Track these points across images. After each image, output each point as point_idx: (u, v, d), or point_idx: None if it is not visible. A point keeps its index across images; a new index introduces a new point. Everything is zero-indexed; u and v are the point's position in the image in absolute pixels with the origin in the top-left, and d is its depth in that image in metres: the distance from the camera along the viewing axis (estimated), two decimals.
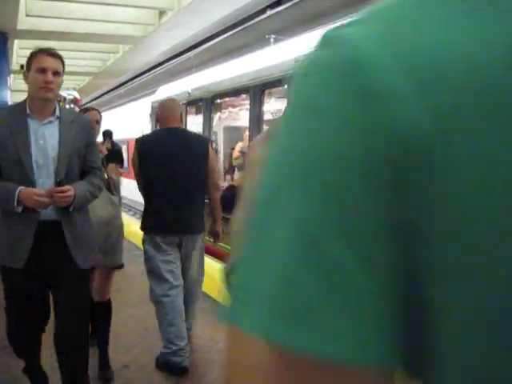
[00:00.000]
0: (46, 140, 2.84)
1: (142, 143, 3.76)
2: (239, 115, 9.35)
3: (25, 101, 2.95)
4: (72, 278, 2.87)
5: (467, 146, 0.34)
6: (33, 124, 2.84)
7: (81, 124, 3.00)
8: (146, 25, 10.87)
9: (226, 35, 10.35)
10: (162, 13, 10.25)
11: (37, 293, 2.89)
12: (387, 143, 0.35)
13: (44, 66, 2.79)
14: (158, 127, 4.01)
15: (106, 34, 11.38)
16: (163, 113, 3.82)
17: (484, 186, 0.33)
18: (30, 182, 2.74)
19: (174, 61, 13.48)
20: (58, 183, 2.72)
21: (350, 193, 0.36)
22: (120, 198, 4.35)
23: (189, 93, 8.87)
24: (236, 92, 7.68)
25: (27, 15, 9.55)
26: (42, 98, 2.81)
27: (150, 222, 3.73)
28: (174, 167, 3.57)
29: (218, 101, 8.51)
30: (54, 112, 2.90)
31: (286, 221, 0.38)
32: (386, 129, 0.35)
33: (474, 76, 0.34)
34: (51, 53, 2.88)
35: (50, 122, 2.87)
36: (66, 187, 2.72)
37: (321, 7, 8.18)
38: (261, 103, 6.79)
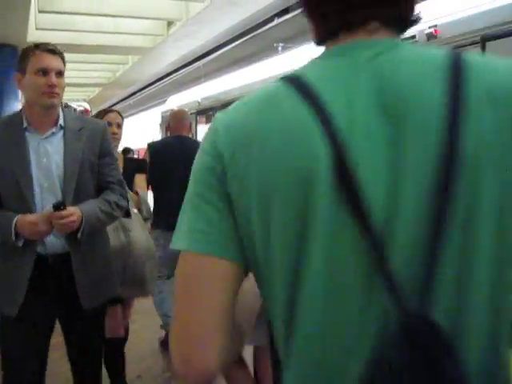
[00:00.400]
0: (49, 157, 2.35)
1: (153, 147, 4.13)
2: None
3: (20, 111, 2.44)
4: (84, 320, 2.44)
5: (239, 164, 0.81)
6: (32, 139, 2.34)
7: (91, 131, 2.48)
8: (155, 35, 10.93)
9: (234, 44, 10.37)
10: (170, 23, 10.30)
11: (37, 341, 2.40)
12: (221, 160, 0.82)
13: (45, 67, 2.29)
14: (169, 135, 4.42)
15: (116, 46, 11.45)
16: (173, 122, 4.28)
17: (244, 178, 0.80)
18: (29, 211, 2.26)
19: (182, 71, 13.52)
20: (56, 206, 2.20)
21: (202, 184, 0.84)
22: (150, 214, 3.75)
23: (198, 102, 8.91)
24: None
25: (37, 28, 9.64)
26: (46, 106, 2.32)
27: (157, 221, 3.89)
28: (182, 171, 3.69)
29: None
30: (57, 121, 2.40)
31: (188, 194, 0.87)
32: (217, 155, 0.83)
33: (245, 137, 0.82)
34: (51, 49, 2.35)
35: (53, 133, 2.37)
36: (68, 211, 2.21)
37: None
38: None
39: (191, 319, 0.86)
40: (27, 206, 2.26)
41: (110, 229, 3.02)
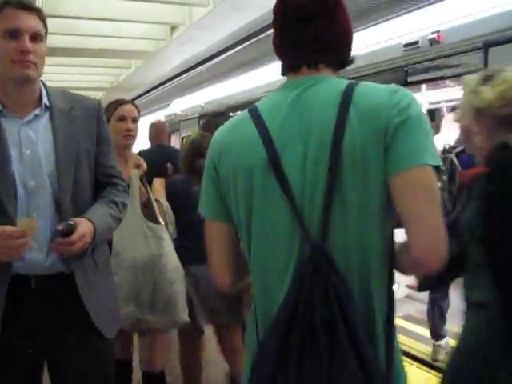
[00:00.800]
0: (34, 147, 1.81)
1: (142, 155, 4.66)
2: None
3: None
4: (90, 357, 1.91)
5: (222, 160, 1.43)
6: (9, 125, 1.80)
7: (85, 111, 1.95)
8: (158, 40, 10.94)
9: (237, 49, 10.38)
10: (173, 28, 10.32)
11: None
12: (215, 159, 1.44)
13: (16, 27, 1.74)
14: (150, 143, 5.14)
15: (119, 50, 11.47)
16: (154, 133, 5.02)
17: (227, 168, 1.41)
18: (8, 217, 1.73)
19: (186, 75, 13.53)
20: (65, 233, 1.73)
21: (208, 176, 1.47)
22: (174, 228, 3.06)
23: (202, 106, 8.91)
24: (248, 105, 7.69)
25: None
26: (19, 79, 1.78)
27: None
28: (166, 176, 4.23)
29: (231, 114, 8.53)
30: (41, 100, 1.87)
31: (202, 182, 1.50)
32: (214, 156, 1.45)
33: (222, 146, 1.44)
34: (24, 4, 1.79)
35: (37, 116, 1.85)
36: (79, 233, 1.74)
37: None
38: None
39: (213, 257, 1.53)
40: (7, 215, 1.74)
41: (138, 235, 2.63)
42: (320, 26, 1.38)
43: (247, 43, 9.94)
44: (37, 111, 1.85)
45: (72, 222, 1.76)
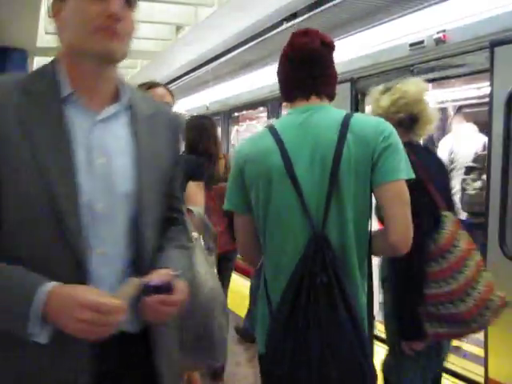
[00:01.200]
0: (108, 155, 1.31)
1: None
2: (256, 128, 9.38)
3: (51, 66, 1.35)
4: None
5: (247, 167, 1.89)
6: (79, 119, 1.29)
7: (166, 120, 1.50)
8: (164, 40, 10.95)
9: (242, 49, 10.38)
10: (179, 28, 10.33)
11: None
12: (240, 166, 1.92)
13: None
14: None
15: None
16: None
17: (251, 173, 1.90)
18: (75, 261, 1.21)
19: (191, 75, 13.54)
20: (166, 289, 1.25)
21: (234, 179, 1.97)
22: (213, 246, 2.56)
23: (207, 106, 8.91)
24: (253, 105, 7.69)
25: (46, 33, 9.67)
26: (101, 53, 1.28)
27: None
28: None
29: (236, 114, 8.53)
30: (118, 94, 1.38)
31: (228, 181, 2.01)
32: (239, 164, 1.93)
33: (246, 155, 1.93)
34: None
35: (115, 114, 1.35)
36: (181, 294, 1.30)
37: (337, 19, 8.18)
38: (278, 116, 6.81)
39: (240, 241, 2.04)
40: (69, 250, 1.20)
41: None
42: (317, 70, 1.92)
43: (252, 43, 9.93)
44: (113, 108, 1.35)
45: (178, 274, 1.32)
